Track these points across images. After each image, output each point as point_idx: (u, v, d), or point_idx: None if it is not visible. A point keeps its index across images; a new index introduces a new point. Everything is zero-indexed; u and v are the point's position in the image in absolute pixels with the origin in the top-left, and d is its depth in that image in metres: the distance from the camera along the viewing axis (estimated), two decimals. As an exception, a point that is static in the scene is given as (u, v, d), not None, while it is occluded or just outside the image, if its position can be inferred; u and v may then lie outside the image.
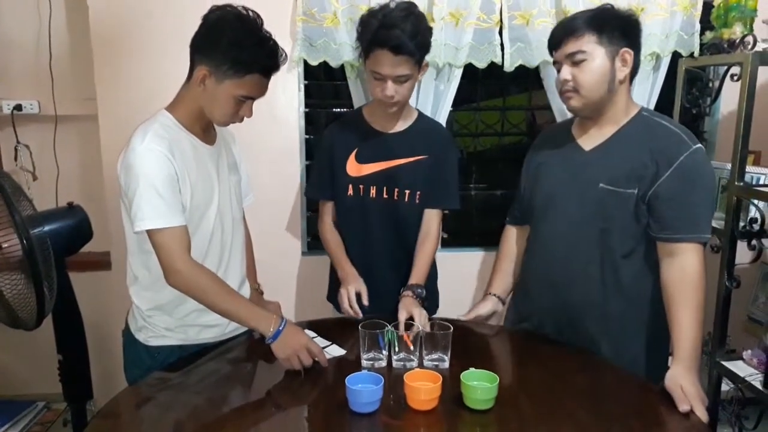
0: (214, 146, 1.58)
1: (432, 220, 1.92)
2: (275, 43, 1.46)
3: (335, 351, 1.54)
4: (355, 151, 1.88)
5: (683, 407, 1.30)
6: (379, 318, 1.49)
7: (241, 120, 1.52)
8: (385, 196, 1.88)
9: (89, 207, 1.86)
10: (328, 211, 1.96)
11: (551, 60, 1.60)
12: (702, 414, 1.31)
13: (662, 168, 1.46)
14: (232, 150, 1.70)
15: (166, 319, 1.55)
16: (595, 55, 1.46)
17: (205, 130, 1.56)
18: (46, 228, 1.64)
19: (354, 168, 1.89)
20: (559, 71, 1.53)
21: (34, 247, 1.54)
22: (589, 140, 1.59)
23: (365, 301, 1.77)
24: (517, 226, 1.83)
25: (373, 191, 1.88)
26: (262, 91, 1.48)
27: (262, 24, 1.45)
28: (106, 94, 2.25)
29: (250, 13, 1.45)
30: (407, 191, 1.88)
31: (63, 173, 2.43)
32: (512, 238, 1.84)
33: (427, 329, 1.50)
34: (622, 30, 1.48)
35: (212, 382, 1.45)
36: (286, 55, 1.48)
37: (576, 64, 1.48)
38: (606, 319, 1.58)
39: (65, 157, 2.43)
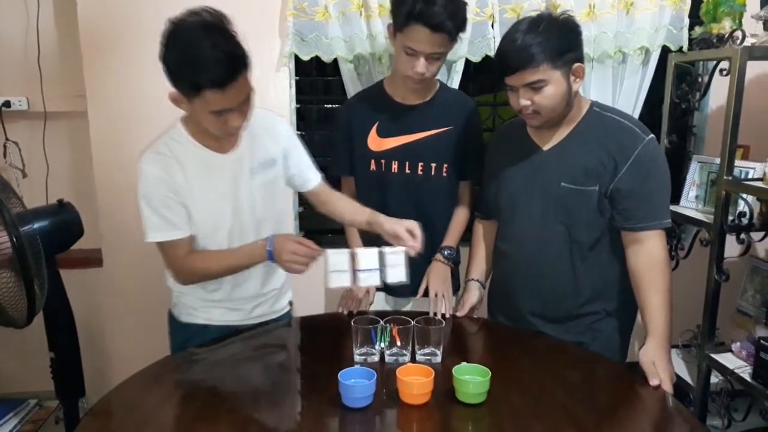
0: (230, 153, 1.54)
1: (464, 190, 1.93)
2: (229, 47, 1.31)
3: (371, 279, 1.47)
4: (376, 124, 1.84)
5: (653, 381, 1.41)
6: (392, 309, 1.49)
7: (237, 130, 1.45)
8: (407, 171, 1.84)
9: (80, 204, 1.85)
10: (347, 186, 1.93)
11: None
12: (668, 388, 1.41)
13: (620, 163, 1.51)
14: (266, 147, 1.61)
15: (191, 299, 1.65)
16: (552, 80, 1.47)
17: (219, 139, 1.50)
18: (36, 225, 1.63)
19: (375, 142, 1.84)
20: (510, 90, 1.52)
21: (24, 245, 1.54)
22: (546, 140, 1.62)
23: (371, 300, 1.80)
24: (486, 220, 1.87)
25: (394, 166, 1.83)
26: (232, 101, 1.35)
27: (219, 24, 1.32)
28: (96, 91, 2.24)
29: (206, 16, 1.32)
30: (433, 164, 1.83)
31: (53, 170, 2.41)
32: (482, 230, 1.89)
33: (447, 310, 1.63)
34: (570, 45, 1.48)
35: (209, 377, 1.45)
36: (244, 55, 1.34)
37: (535, 90, 1.48)
38: (579, 308, 1.64)
39: (55, 154, 2.41)
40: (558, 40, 1.46)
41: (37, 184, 2.39)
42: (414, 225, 1.58)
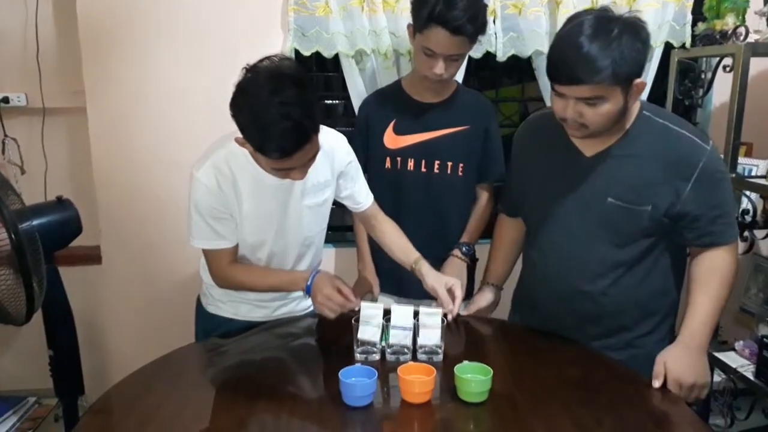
0: None
1: (484, 191, 1.93)
2: (299, 114, 1.22)
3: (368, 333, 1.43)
4: (393, 122, 1.84)
5: (654, 382, 1.35)
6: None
7: (298, 180, 1.42)
8: (423, 169, 1.84)
9: (79, 201, 1.84)
10: None
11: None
12: (674, 389, 1.35)
13: (682, 181, 1.37)
14: (322, 169, 1.55)
15: (219, 293, 1.68)
16: (611, 97, 1.29)
17: None
18: (35, 222, 1.62)
19: (391, 140, 1.84)
20: (556, 95, 1.35)
21: (23, 242, 1.52)
22: (590, 145, 1.44)
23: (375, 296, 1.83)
24: (510, 217, 1.76)
25: (410, 164, 1.83)
26: (296, 162, 1.32)
27: (293, 78, 1.24)
28: (95, 87, 2.23)
29: (281, 65, 1.26)
30: (449, 163, 1.83)
31: (52, 167, 2.40)
32: (506, 227, 1.78)
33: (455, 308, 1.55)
34: (640, 60, 1.29)
35: (208, 375, 1.45)
36: (314, 119, 1.27)
37: (589, 105, 1.30)
38: (619, 326, 1.54)
39: (54, 150, 2.40)
40: (630, 52, 1.25)
41: (35, 181, 2.38)
42: (455, 284, 1.58)
